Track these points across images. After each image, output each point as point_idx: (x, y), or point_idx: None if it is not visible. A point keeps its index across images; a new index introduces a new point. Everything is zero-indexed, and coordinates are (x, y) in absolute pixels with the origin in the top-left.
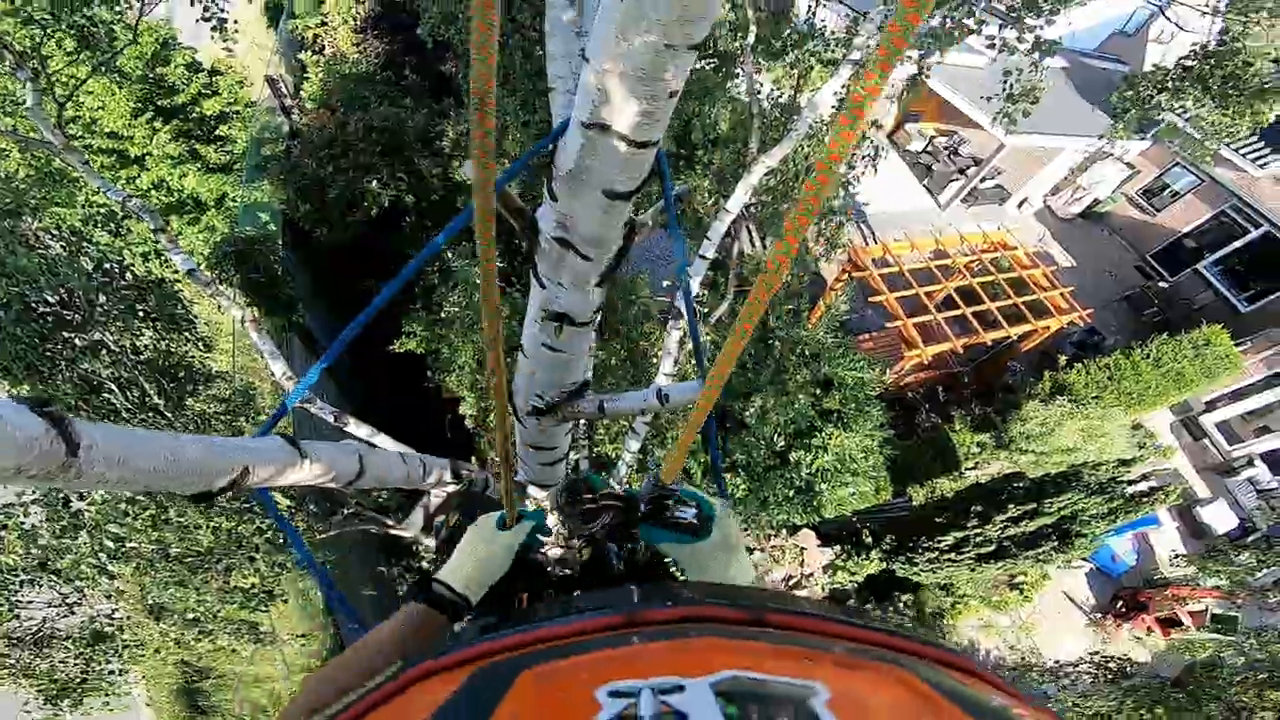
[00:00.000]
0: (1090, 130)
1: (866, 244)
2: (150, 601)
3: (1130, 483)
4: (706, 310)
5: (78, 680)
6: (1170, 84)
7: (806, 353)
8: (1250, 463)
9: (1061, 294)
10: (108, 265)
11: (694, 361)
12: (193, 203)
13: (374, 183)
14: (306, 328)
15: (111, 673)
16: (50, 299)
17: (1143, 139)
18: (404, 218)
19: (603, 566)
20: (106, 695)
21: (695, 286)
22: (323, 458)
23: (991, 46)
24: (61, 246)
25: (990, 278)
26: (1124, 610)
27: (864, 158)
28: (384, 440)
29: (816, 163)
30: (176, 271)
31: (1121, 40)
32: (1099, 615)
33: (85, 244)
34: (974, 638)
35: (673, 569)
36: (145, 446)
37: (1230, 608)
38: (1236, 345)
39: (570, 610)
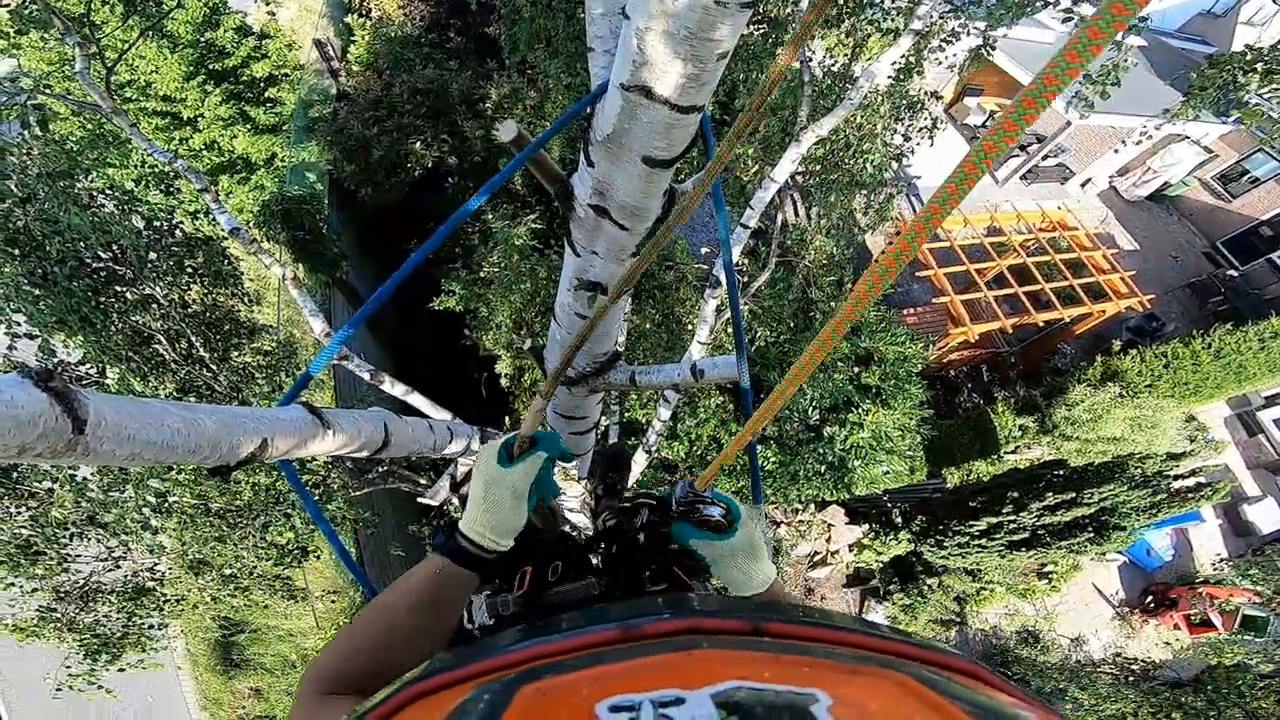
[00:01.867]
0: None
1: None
2: (190, 557)
3: (1177, 477)
4: (746, 279)
5: (119, 635)
6: (1262, 66)
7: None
8: None
9: (1122, 278)
10: (158, 223)
11: (730, 330)
12: (242, 163)
13: (418, 144)
14: (351, 284)
15: (151, 627)
16: (103, 255)
17: (1223, 122)
18: (447, 179)
19: (620, 534)
20: (144, 650)
21: (736, 255)
22: (346, 428)
23: (1068, 19)
24: (114, 206)
25: (1046, 258)
26: (1153, 606)
27: (921, 129)
28: (418, 399)
29: (844, 307)
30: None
31: (1207, 20)
32: (1126, 609)
33: (136, 203)
34: (998, 625)
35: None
36: (158, 420)
37: (1265, 609)
38: None
39: (570, 625)
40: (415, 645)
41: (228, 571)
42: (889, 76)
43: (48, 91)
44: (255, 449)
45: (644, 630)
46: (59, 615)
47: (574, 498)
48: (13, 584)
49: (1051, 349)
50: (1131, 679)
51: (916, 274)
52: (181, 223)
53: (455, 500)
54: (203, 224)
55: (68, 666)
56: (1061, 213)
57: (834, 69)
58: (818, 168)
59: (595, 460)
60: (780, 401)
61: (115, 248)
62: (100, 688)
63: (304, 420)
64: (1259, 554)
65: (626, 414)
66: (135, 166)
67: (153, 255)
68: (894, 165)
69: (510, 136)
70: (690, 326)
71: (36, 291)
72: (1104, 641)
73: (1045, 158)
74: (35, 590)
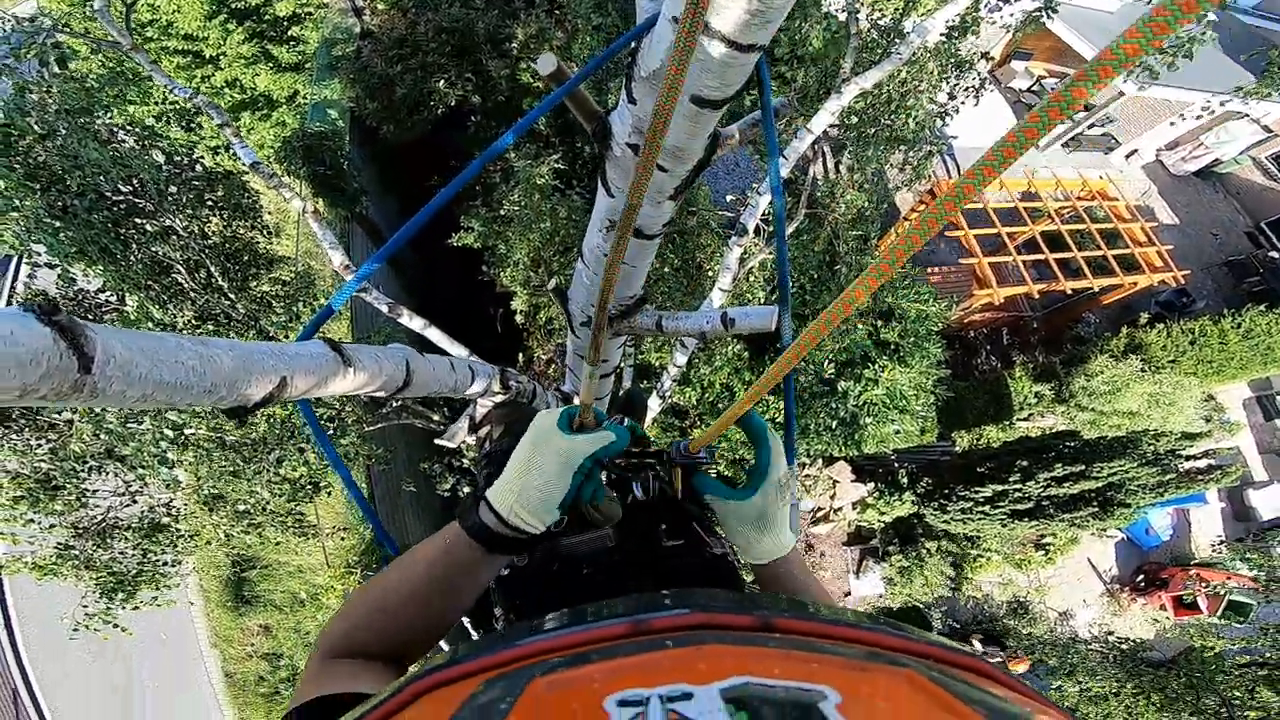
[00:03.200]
0: (1230, 89)
1: (950, 176)
2: (206, 492)
3: (1189, 458)
4: (771, 230)
5: (134, 572)
6: None
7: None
8: None
9: (1159, 251)
10: (178, 158)
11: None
12: (264, 100)
13: (441, 83)
14: (371, 220)
15: (165, 563)
16: (123, 189)
17: None
18: (470, 118)
19: (624, 489)
20: (158, 587)
21: (765, 205)
22: (368, 366)
23: None
24: (134, 141)
25: (1082, 226)
26: (1143, 585)
27: (968, 89)
28: (436, 333)
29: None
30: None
31: None
32: (1116, 586)
33: (157, 138)
34: (990, 593)
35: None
36: (172, 356)
37: (1251, 595)
38: None
39: (579, 619)
40: (425, 621)
41: (241, 507)
42: (941, 34)
43: (67, 31)
44: (274, 388)
45: (653, 625)
46: (77, 552)
47: None
48: (32, 520)
49: (1076, 317)
50: (1117, 657)
51: (946, 233)
52: (202, 157)
53: (471, 442)
54: (223, 159)
55: (84, 606)
56: (1103, 182)
57: (881, 22)
58: (855, 121)
59: (612, 405)
60: (793, 360)
61: (135, 181)
62: (115, 626)
63: (325, 357)
64: (1258, 539)
65: (641, 356)
66: (156, 103)
67: (173, 189)
68: (936, 123)
69: (550, 70)
70: (711, 272)
71: (57, 223)
72: (1091, 617)
73: (1091, 126)
74: (53, 527)
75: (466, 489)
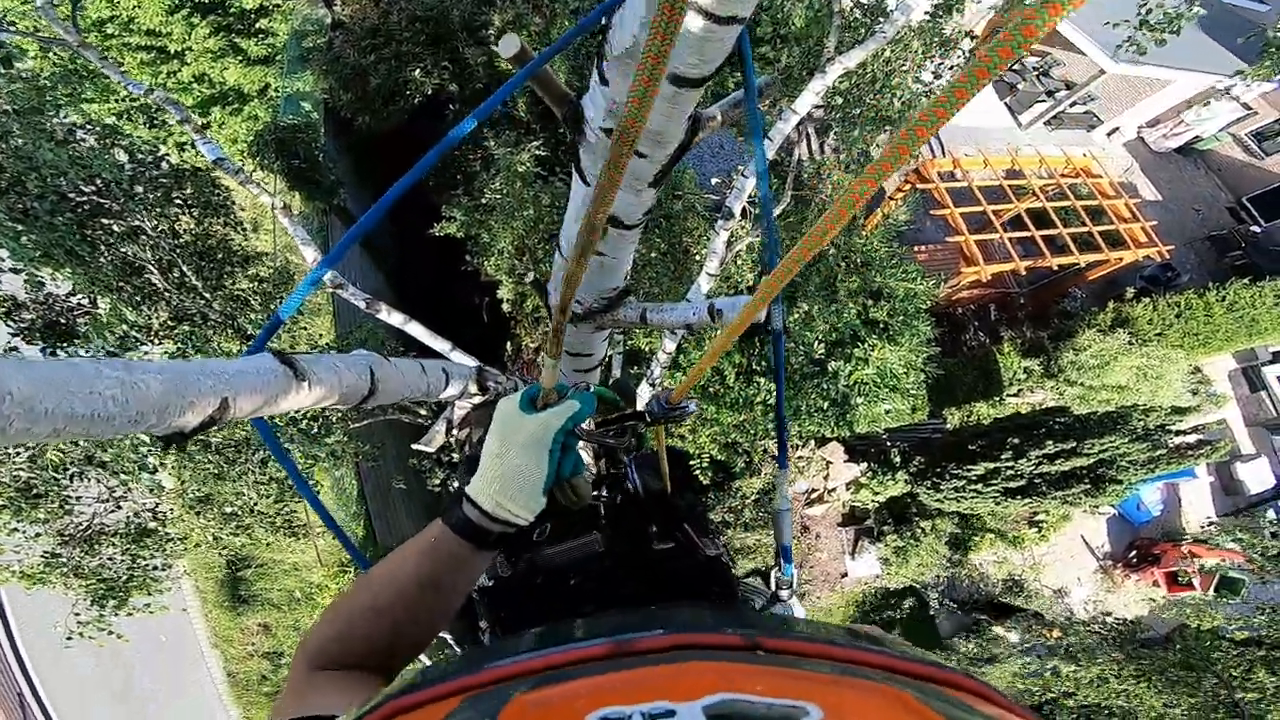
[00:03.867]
0: (1212, 67)
1: (934, 156)
2: (191, 495)
3: (1179, 433)
4: (758, 211)
5: (124, 578)
6: None
7: (858, 260)
8: None
9: (1143, 227)
10: (141, 155)
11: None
12: (235, 94)
13: (417, 72)
14: (349, 211)
15: (155, 568)
16: (85, 189)
17: (1274, 83)
18: (448, 106)
19: (621, 482)
20: (149, 593)
21: (751, 187)
22: (324, 378)
23: None
24: (95, 140)
25: (1066, 203)
26: (1135, 561)
27: (953, 68)
28: (417, 328)
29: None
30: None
31: None
32: (1110, 563)
33: (119, 136)
34: (986, 572)
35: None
36: (86, 387)
37: (1243, 571)
38: None
39: (560, 638)
40: (408, 626)
41: (229, 510)
42: (925, 12)
43: (10, 29)
44: (214, 411)
45: (635, 646)
46: (64, 560)
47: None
48: (16, 529)
49: (1063, 292)
50: (1115, 639)
51: (931, 212)
52: (168, 154)
53: (453, 443)
54: (191, 155)
55: (77, 614)
56: (1086, 160)
57: (864, 1)
58: (840, 101)
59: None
60: (773, 291)
61: (99, 181)
62: (111, 633)
63: (273, 372)
64: (1245, 514)
65: (629, 342)
66: (118, 100)
67: (139, 188)
68: (922, 102)
69: (512, 52)
70: (698, 256)
71: (18, 227)
72: (1086, 594)
73: (1073, 104)
74: (39, 535)
75: (456, 484)
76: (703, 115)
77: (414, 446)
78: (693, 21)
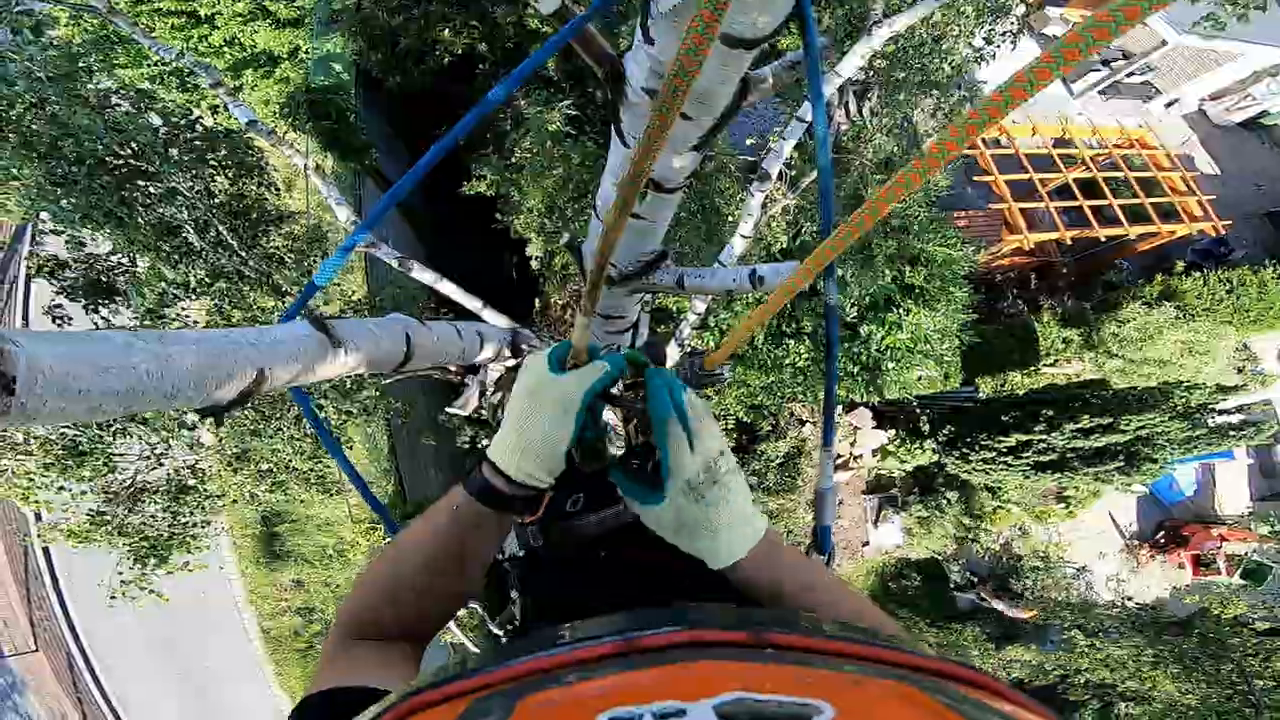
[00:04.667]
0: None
1: None
2: (229, 452)
3: (1222, 412)
4: (795, 174)
5: (165, 536)
6: None
7: (896, 224)
8: None
9: (1198, 201)
10: (174, 119)
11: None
12: (266, 57)
13: (446, 31)
14: (382, 171)
15: (195, 525)
16: (122, 153)
17: None
18: (478, 66)
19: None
20: (190, 550)
21: (788, 150)
22: (361, 345)
23: None
24: (129, 105)
25: (1118, 173)
26: (1163, 542)
27: (1004, 33)
28: (449, 287)
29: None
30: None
31: None
32: (1136, 543)
33: (152, 101)
34: (1009, 543)
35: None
36: (120, 360)
37: (1270, 556)
38: None
39: (570, 638)
40: (435, 594)
41: (265, 466)
42: None
43: None
44: (250, 383)
45: (643, 644)
46: (109, 518)
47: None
48: (64, 487)
49: (1109, 263)
50: (1136, 622)
51: (973, 178)
52: (201, 117)
53: (486, 406)
54: (223, 118)
55: (120, 573)
56: (1142, 130)
57: None
58: (884, 64)
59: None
60: (819, 265)
61: (134, 145)
62: (151, 592)
63: (309, 340)
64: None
65: (657, 300)
66: (151, 65)
67: (173, 151)
68: (972, 68)
69: (552, 9)
70: (730, 218)
71: (58, 190)
72: (1108, 572)
73: (1130, 74)
74: (84, 493)
75: (484, 442)
76: (753, 78)
77: (447, 410)
78: None
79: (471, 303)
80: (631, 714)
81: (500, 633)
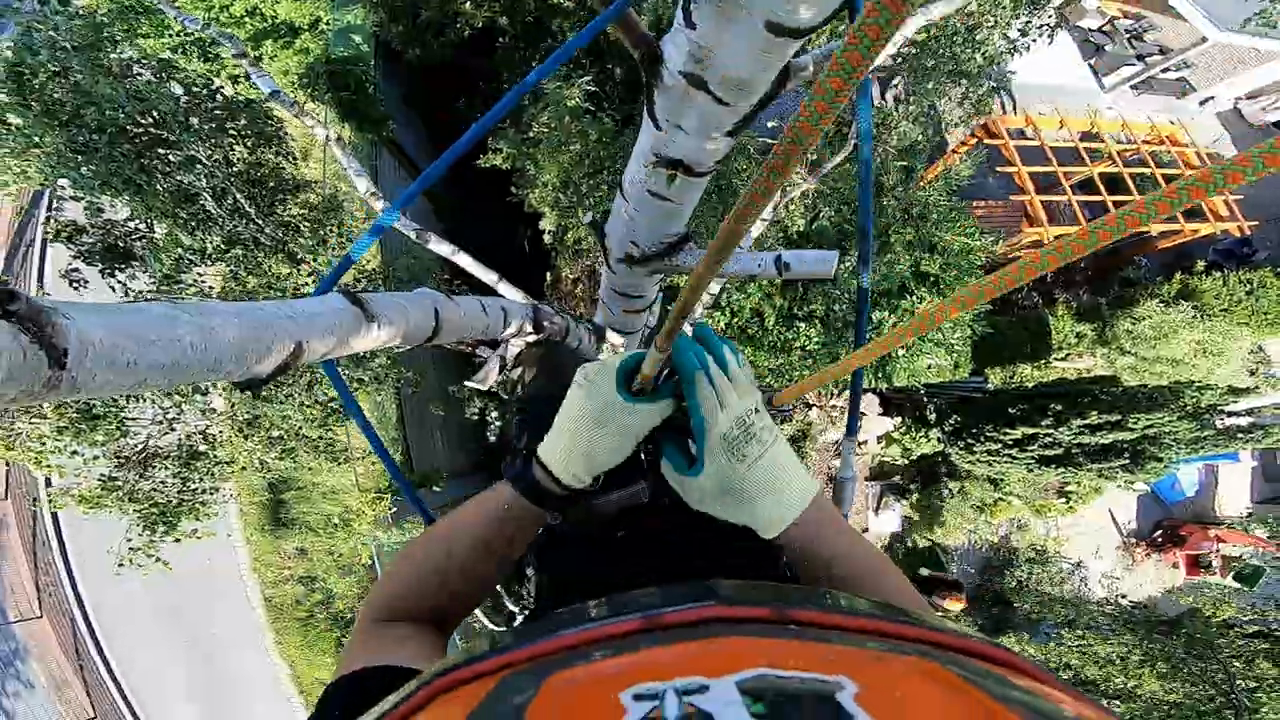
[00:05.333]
0: None
1: (1005, 112)
2: (240, 418)
3: (1231, 414)
4: (815, 159)
5: (175, 503)
6: None
7: (913, 211)
8: None
9: (1225, 200)
10: (196, 89)
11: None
12: (286, 28)
13: (467, 4)
14: (399, 143)
15: (204, 491)
16: (143, 121)
17: None
18: (498, 39)
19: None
20: (198, 518)
21: None
22: (393, 318)
23: None
24: (151, 74)
25: (1146, 170)
26: (1160, 541)
27: (1042, 26)
28: (465, 259)
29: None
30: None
31: None
32: (1133, 540)
33: (175, 71)
34: (1008, 535)
35: None
36: (165, 333)
37: (1266, 560)
38: None
39: (594, 615)
40: (475, 582)
41: (275, 433)
42: None
43: None
44: (289, 356)
45: (666, 620)
46: (120, 483)
47: None
48: (76, 452)
49: (1128, 259)
50: (1127, 620)
51: (996, 169)
52: (222, 87)
53: (504, 380)
54: (244, 88)
55: (129, 540)
56: (1173, 127)
57: None
58: (914, 52)
59: (645, 338)
60: (906, 336)
61: (155, 114)
62: (158, 560)
63: (344, 313)
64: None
65: (668, 279)
66: (172, 36)
67: (194, 120)
68: (1006, 59)
69: None
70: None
71: (79, 157)
72: (1104, 569)
73: (1165, 70)
74: (96, 458)
75: (494, 414)
76: (794, 65)
77: (466, 384)
78: None
79: (487, 276)
80: (655, 690)
81: (516, 609)
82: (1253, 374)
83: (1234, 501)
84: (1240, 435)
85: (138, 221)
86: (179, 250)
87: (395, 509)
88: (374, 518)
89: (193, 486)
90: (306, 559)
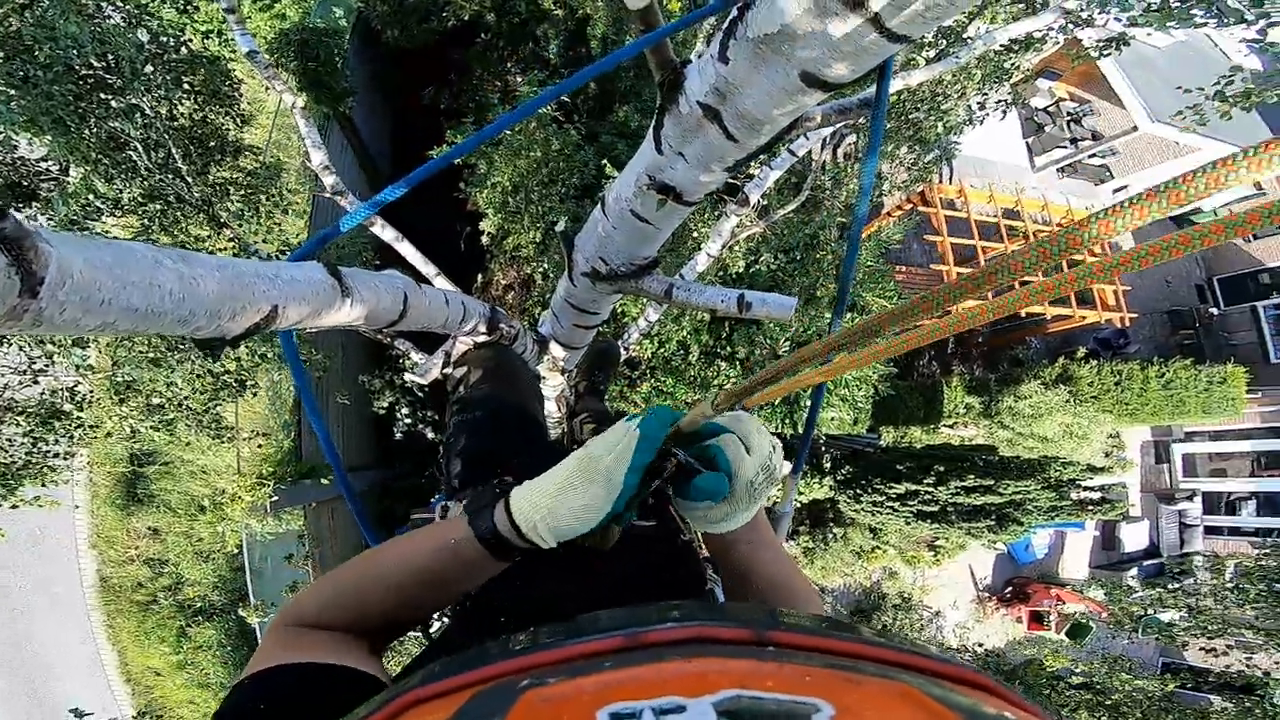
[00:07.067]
0: (1241, 139)
1: (941, 181)
2: (120, 379)
3: (1086, 488)
4: (765, 204)
5: (19, 464)
6: None
7: (841, 270)
8: (1190, 497)
9: (1115, 291)
10: (164, 38)
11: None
12: None
13: None
14: (353, 120)
15: (56, 455)
16: (95, 64)
17: None
18: (480, 34)
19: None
20: (44, 483)
21: (771, 181)
22: (366, 298)
23: (1207, 22)
24: (121, 18)
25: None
26: (1009, 596)
27: (999, 101)
28: (408, 249)
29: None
30: (234, 51)
31: None
32: (986, 594)
33: (148, 17)
34: (879, 582)
35: None
36: (146, 276)
37: (1095, 619)
38: (1248, 392)
39: (571, 632)
40: (407, 608)
41: (155, 401)
42: (1002, 45)
43: None
44: (262, 318)
45: (646, 639)
46: None
47: (553, 388)
48: None
49: (1021, 339)
50: (980, 666)
51: (923, 236)
52: (190, 40)
53: (446, 377)
54: (212, 43)
55: None
56: (1086, 213)
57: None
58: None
59: (585, 355)
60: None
61: (110, 58)
62: None
63: (323, 284)
64: (1115, 569)
65: (623, 300)
66: None
67: (149, 69)
68: (965, 130)
69: (640, 5)
70: (695, 234)
71: (12, 92)
72: (958, 619)
73: (1092, 156)
74: None
75: (404, 410)
76: (804, 114)
77: (407, 376)
78: (859, 30)
79: (427, 268)
80: (631, 709)
81: (437, 625)
82: (1108, 455)
83: (1075, 565)
84: (1090, 507)
85: (50, 164)
86: (90, 196)
87: (276, 498)
88: (250, 504)
89: (44, 449)
90: (159, 540)
